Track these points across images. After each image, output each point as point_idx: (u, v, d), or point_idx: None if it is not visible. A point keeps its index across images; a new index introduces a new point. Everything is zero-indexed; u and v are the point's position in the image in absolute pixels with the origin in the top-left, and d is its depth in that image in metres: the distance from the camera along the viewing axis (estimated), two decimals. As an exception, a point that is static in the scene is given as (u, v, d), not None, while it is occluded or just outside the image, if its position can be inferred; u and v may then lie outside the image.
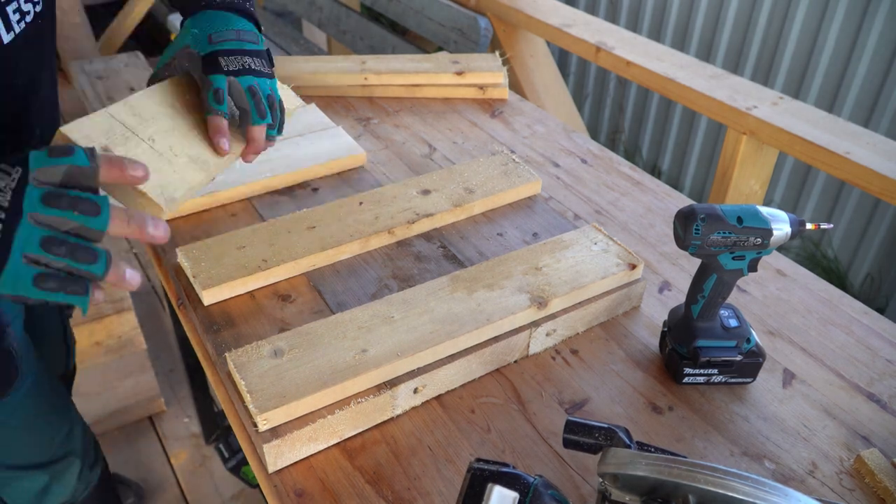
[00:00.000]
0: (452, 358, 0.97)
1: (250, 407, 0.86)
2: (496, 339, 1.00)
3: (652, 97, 3.55)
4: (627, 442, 0.68)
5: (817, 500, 0.59)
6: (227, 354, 0.93)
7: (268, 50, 1.01)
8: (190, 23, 0.95)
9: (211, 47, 0.92)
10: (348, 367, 0.91)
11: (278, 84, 1.04)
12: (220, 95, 0.91)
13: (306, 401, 0.88)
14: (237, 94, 0.92)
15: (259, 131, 0.94)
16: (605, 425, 0.70)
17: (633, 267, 1.10)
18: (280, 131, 0.97)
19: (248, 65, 0.93)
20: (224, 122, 0.92)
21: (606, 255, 1.12)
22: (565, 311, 1.05)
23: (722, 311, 1.01)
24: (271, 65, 1.00)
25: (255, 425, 0.86)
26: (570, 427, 0.71)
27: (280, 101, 0.97)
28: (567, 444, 0.71)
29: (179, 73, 0.95)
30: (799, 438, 0.94)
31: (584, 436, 0.70)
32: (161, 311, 2.60)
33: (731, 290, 0.98)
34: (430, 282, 1.07)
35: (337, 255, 1.16)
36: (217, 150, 0.91)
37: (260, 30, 1.00)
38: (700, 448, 0.92)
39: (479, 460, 0.63)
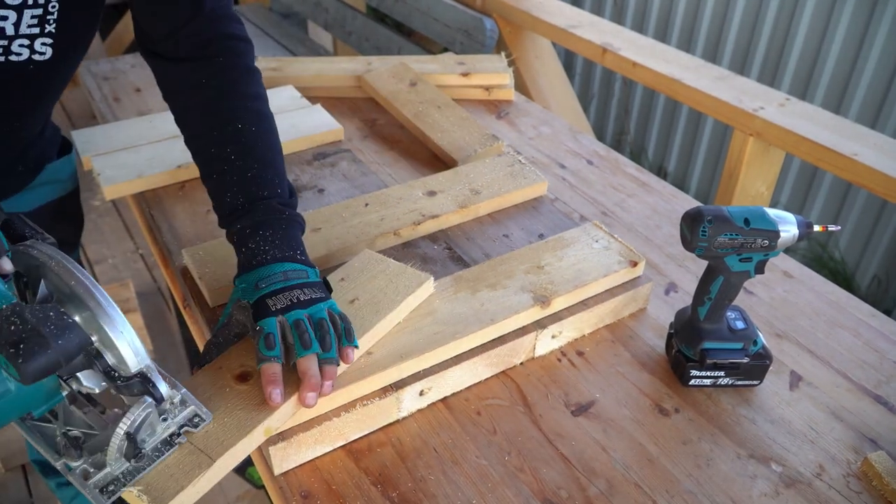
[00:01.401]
0: (458, 360, 0.97)
1: None
2: (502, 340, 1.00)
3: (658, 98, 3.54)
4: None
5: None
6: None
7: (324, 279, 0.97)
8: (238, 280, 0.94)
9: (258, 293, 0.89)
10: (354, 371, 0.91)
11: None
12: (270, 340, 0.84)
13: None
14: (287, 333, 0.86)
15: (306, 363, 0.84)
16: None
17: (635, 264, 1.10)
18: (346, 342, 0.88)
19: (297, 297, 0.88)
20: (276, 369, 0.84)
21: (608, 253, 1.12)
22: (571, 312, 1.05)
23: (728, 313, 1.01)
24: (328, 290, 0.95)
25: None
26: None
27: (341, 315, 0.90)
28: None
29: (237, 330, 0.91)
30: (806, 441, 0.93)
31: None
32: (167, 313, 2.61)
33: (738, 292, 0.97)
34: (434, 283, 1.07)
35: (343, 257, 1.16)
36: (267, 401, 0.82)
37: (313, 267, 0.96)
38: (706, 450, 0.91)
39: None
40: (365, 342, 0.94)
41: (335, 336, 0.87)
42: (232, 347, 0.91)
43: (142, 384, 0.70)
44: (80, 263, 1.43)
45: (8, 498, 2.02)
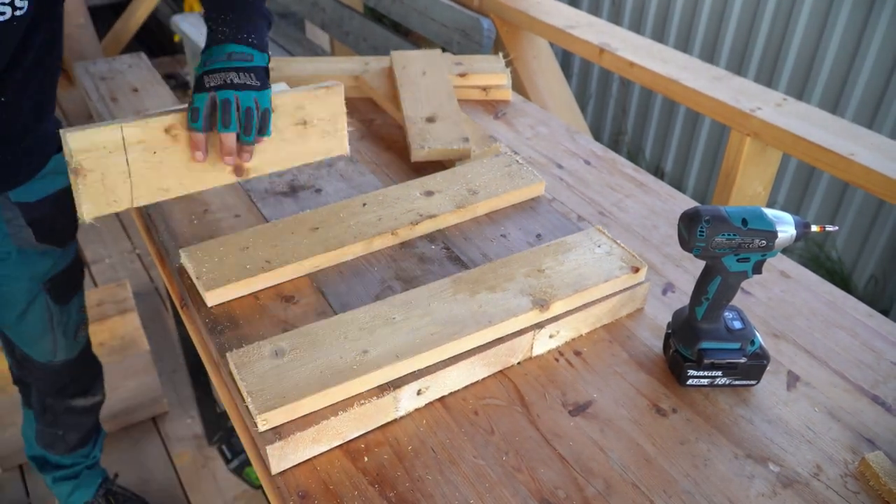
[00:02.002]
0: (456, 360, 0.97)
1: (250, 407, 0.87)
2: (499, 340, 1.00)
3: (655, 98, 3.54)
4: None
5: None
6: (227, 354, 0.93)
7: (265, 67, 1.11)
8: (202, 53, 1.10)
9: (201, 69, 1.07)
10: (349, 368, 0.91)
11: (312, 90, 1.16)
12: (195, 114, 1.04)
13: (306, 401, 0.88)
14: (213, 107, 1.05)
15: (224, 137, 1.05)
16: None
17: (637, 270, 1.10)
18: (259, 133, 1.07)
19: (231, 80, 1.05)
20: (198, 137, 1.05)
21: (610, 258, 1.12)
22: (568, 312, 1.05)
23: (726, 314, 1.01)
24: (265, 78, 1.09)
25: (255, 425, 0.86)
26: None
27: (266, 110, 1.07)
28: None
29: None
30: (803, 441, 0.93)
31: None
32: (164, 312, 2.60)
33: (736, 292, 0.97)
34: (432, 283, 1.07)
35: (340, 257, 1.16)
36: (193, 159, 1.06)
37: (263, 50, 1.10)
38: (704, 450, 0.91)
39: None
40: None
41: (256, 126, 1.06)
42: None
43: None
44: (79, 259, 1.45)
45: (5, 498, 2.01)
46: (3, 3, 1.01)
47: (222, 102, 1.04)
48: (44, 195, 1.31)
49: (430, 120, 1.50)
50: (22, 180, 1.27)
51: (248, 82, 1.06)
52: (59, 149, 1.32)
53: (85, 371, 1.65)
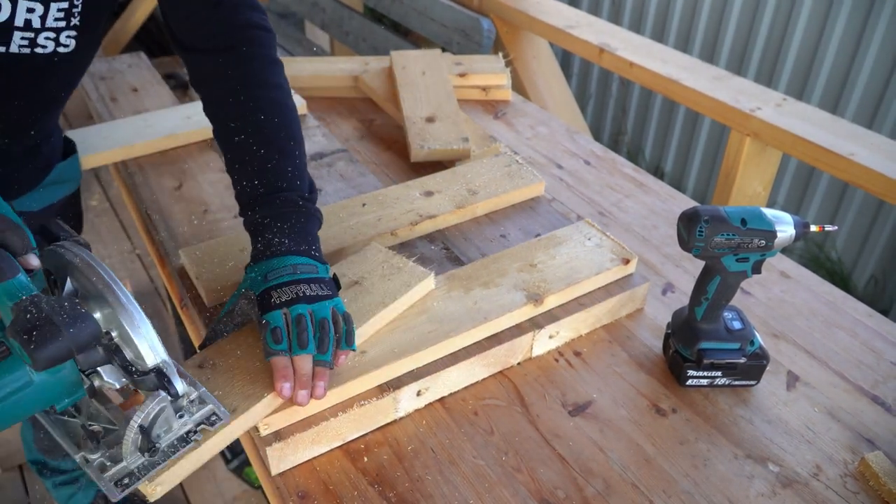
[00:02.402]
0: (455, 359, 0.97)
1: None
2: (499, 340, 1.00)
3: (655, 98, 3.54)
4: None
5: None
6: None
7: (334, 275, 0.98)
8: (249, 269, 0.95)
9: (265, 285, 0.90)
10: (348, 370, 0.91)
11: None
12: (278, 334, 0.86)
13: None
14: (289, 327, 0.87)
15: (300, 361, 0.86)
16: None
17: (627, 261, 1.10)
18: (346, 345, 0.89)
19: (303, 292, 0.89)
20: (287, 362, 0.86)
21: (600, 251, 1.12)
22: (567, 311, 1.05)
23: (725, 314, 1.01)
24: (336, 287, 0.95)
25: (257, 430, 0.86)
26: None
27: (345, 315, 0.91)
28: None
29: (240, 319, 0.94)
30: (803, 441, 0.93)
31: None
32: (164, 313, 2.60)
33: (735, 292, 0.97)
34: None
35: (340, 257, 1.16)
36: (278, 395, 0.85)
37: (324, 263, 0.97)
38: (704, 451, 0.91)
39: None
40: (362, 332, 0.95)
41: (334, 339, 0.88)
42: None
43: (158, 379, 0.71)
44: None
45: (5, 498, 2.01)
46: (48, 38, 0.96)
47: (296, 319, 0.87)
48: (47, 204, 1.28)
49: (430, 120, 1.50)
50: (25, 190, 1.24)
51: (320, 293, 0.90)
52: (63, 158, 1.30)
53: None
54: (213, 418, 0.79)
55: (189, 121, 1.50)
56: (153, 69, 1.85)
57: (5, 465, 2.07)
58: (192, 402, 0.78)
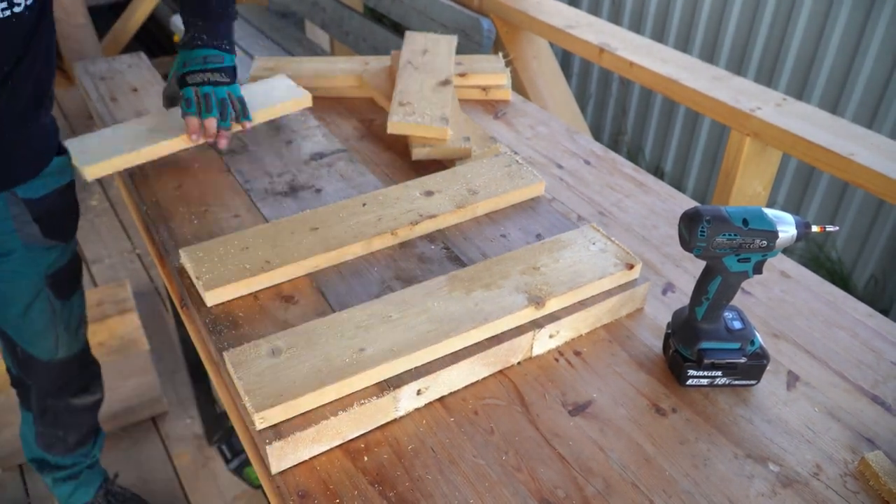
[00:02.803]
0: (455, 359, 0.97)
1: (247, 405, 0.86)
2: (499, 340, 1.00)
3: (655, 98, 3.54)
4: None
5: None
6: (224, 353, 0.93)
7: (233, 67, 1.38)
8: (177, 56, 1.37)
9: (182, 70, 1.35)
10: (346, 366, 0.91)
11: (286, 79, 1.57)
12: (188, 103, 1.34)
13: (304, 399, 0.88)
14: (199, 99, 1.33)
15: (207, 122, 1.34)
16: None
17: (631, 267, 1.10)
18: (235, 121, 1.38)
19: (208, 78, 1.34)
20: (195, 120, 1.34)
21: (604, 255, 1.12)
22: (568, 312, 1.05)
23: (726, 314, 1.01)
24: (233, 75, 1.38)
25: (253, 423, 0.86)
26: None
27: (240, 99, 1.38)
28: None
29: (171, 91, 1.42)
30: (803, 441, 0.93)
31: None
32: (164, 312, 2.60)
33: (736, 292, 0.97)
34: (428, 281, 1.07)
35: (340, 257, 1.16)
36: (189, 140, 1.36)
37: (230, 52, 1.38)
38: (704, 450, 0.91)
39: None
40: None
41: (231, 112, 1.36)
42: None
43: None
44: (78, 258, 1.46)
45: (5, 498, 2.02)
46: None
47: (204, 95, 1.33)
48: (48, 191, 1.35)
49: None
50: (27, 177, 1.30)
51: (221, 79, 1.35)
52: (60, 151, 1.37)
53: (85, 369, 1.65)
54: None
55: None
56: (153, 69, 1.85)
57: (5, 464, 2.07)
58: None
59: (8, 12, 1.13)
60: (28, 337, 1.47)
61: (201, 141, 1.36)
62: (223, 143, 1.37)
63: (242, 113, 1.37)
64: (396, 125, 1.45)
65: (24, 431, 1.69)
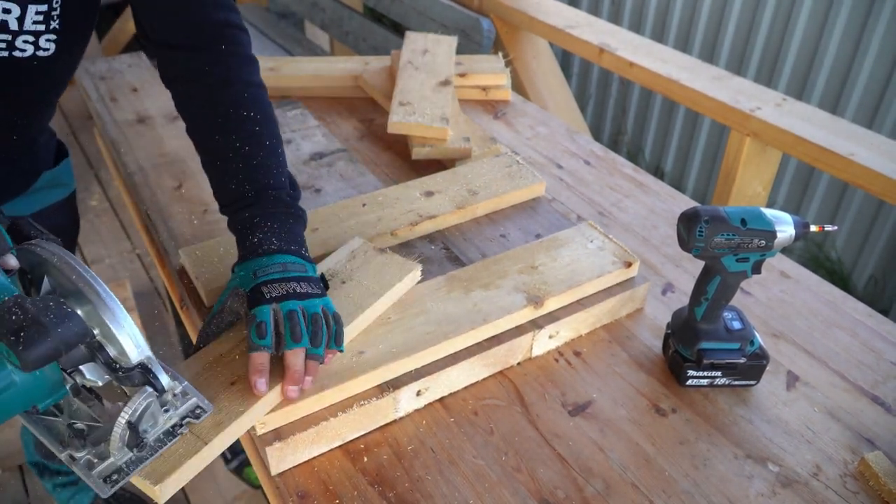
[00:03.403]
0: (455, 359, 0.97)
1: None
2: (498, 340, 1.00)
3: (655, 98, 3.54)
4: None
5: None
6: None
7: (322, 275, 1.00)
8: (237, 268, 0.95)
9: (255, 281, 0.90)
10: (346, 369, 0.91)
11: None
12: (262, 329, 0.86)
13: (304, 403, 0.88)
14: (280, 323, 0.88)
15: (292, 356, 0.86)
16: None
17: (629, 265, 1.10)
18: (335, 345, 0.90)
19: (294, 289, 0.90)
20: (265, 358, 0.86)
21: (602, 254, 1.12)
22: (567, 312, 1.05)
23: (725, 314, 1.01)
24: (324, 287, 0.97)
25: (254, 428, 0.86)
26: None
27: (335, 316, 0.92)
28: None
29: (230, 318, 0.95)
30: (803, 441, 0.93)
31: None
32: (164, 313, 2.60)
33: (735, 292, 0.97)
34: (427, 282, 1.07)
35: (339, 257, 1.16)
36: (252, 390, 0.85)
37: (312, 262, 0.97)
38: (703, 450, 0.91)
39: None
40: (353, 328, 0.96)
41: (326, 334, 0.89)
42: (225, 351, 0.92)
43: (143, 375, 0.72)
44: None
45: (5, 498, 2.01)
46: (26, 42, 0.94)
47: (288, 314, 0.87)
48: (38, 209, 1.25)
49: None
50: (11, 196, 1.21)
51: (311, 291, 0.91)
52: (53, 164, 1.28)
53: None
54: (198, 411, 0.80)
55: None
56: (153, 69, 1.84)
57: (5, 465, 2.07)
58: (176, 395, 0.79)
59: (5, 53, 0.94)
60: None
61: (264, 390, 0.85)
62: (308, 384, 0.87)
63: (336, 338, 0.90)
64: (396, 125, 1.45)
65: (24, 435, 1.68)
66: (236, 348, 0.92)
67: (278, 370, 0.87)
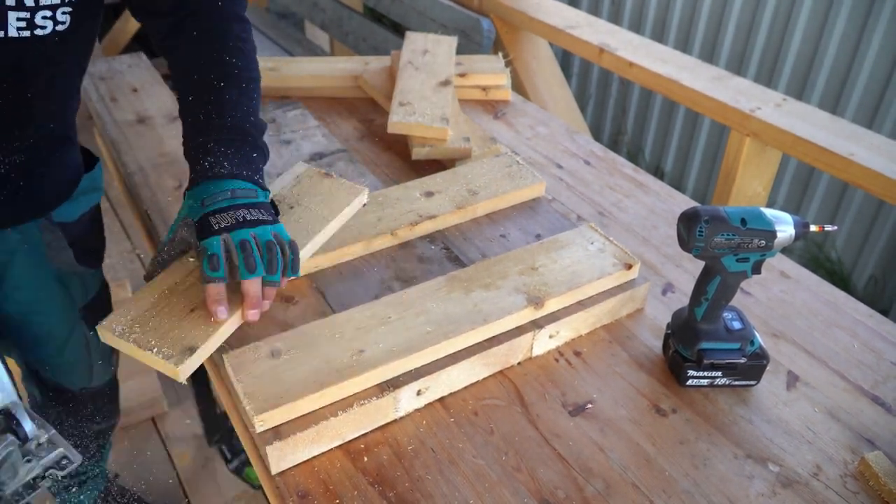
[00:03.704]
0: (455, 360, 0.97)
1: (247, 408, 0.86)
2: (498, 340, 1.00)
3: (655, 98, 3.54)
4: None
5: None
6: (224, 356, 0.93)
7: (271, 200, 1.00)
8: (187, 195, 0.96)
9: (202, 210, 0.91)
10: (345, 368, 0.91)
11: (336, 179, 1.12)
12: (214, 261, 0.88)
13: (304, 402, 0.88)
14: (232, 251, 0.89)
15: (249, 284, 0.90)
16: None
17: (630, 267, 1.10)
18: (291, 272, 0.93)
19: (244, 217, 0.91)
20: (220, 288, 0.89)
21: (603, 255, 1.12)
22: (567, 312, 1.05)
23: (725, 314, 1.01)
24: (275, 213, 0.98)
25: (253, 426, 0.86)
26: None
27: (290, 243, 0.94)
28: None
29: (181, 247, 0.96)
30: (803, 441, 0.93)
31: None
32: (164, 312, 2.60)
33: (735, 293, 0.97)
34: (428, 282, 1.07)
35: (340, 257, 1.16)
36: (213, 318, 0.89)
37: (265, 189, 0.98)
38: (704, 450, 0.91)
39: None
40: (305, 252, 1.00)
41: (282, 262, 0.91)
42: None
43: (5, 421, 0.68)
44: (107, 285, 1.44)
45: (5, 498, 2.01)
46: (45, 17, 0.93)
47: (240, 244, 0.89)
48: (81, 213, 1.26)
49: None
50: (61, 199, 1.21)
51: (262, 217, 0.92)
52: (89, 168, 1.28)
53: (112, 392, 1.58)
54: (64, 462, 0.75)
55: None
56: (153, 69, 1.84)
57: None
58: (41, 445, 0.74)
59: (27, 33, 0.94)
60: (63, 371, 1.38)
61: (233, 321, 0.92)
62: (267, 307, 0.94)
63: (292, 266, 0.94)
64: (397, 125, 1.45)
65: None
66: (190, 276, 0.93)
67: (236, 297, 0.90)
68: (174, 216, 1.26)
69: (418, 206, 1.25)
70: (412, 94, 1.53)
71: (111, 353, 1.48)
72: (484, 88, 1.73)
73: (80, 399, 1.46)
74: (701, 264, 0.99)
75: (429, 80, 1.60)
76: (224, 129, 0.97)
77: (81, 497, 1.76)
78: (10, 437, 0.68)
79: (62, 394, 1.43)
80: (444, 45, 1.77)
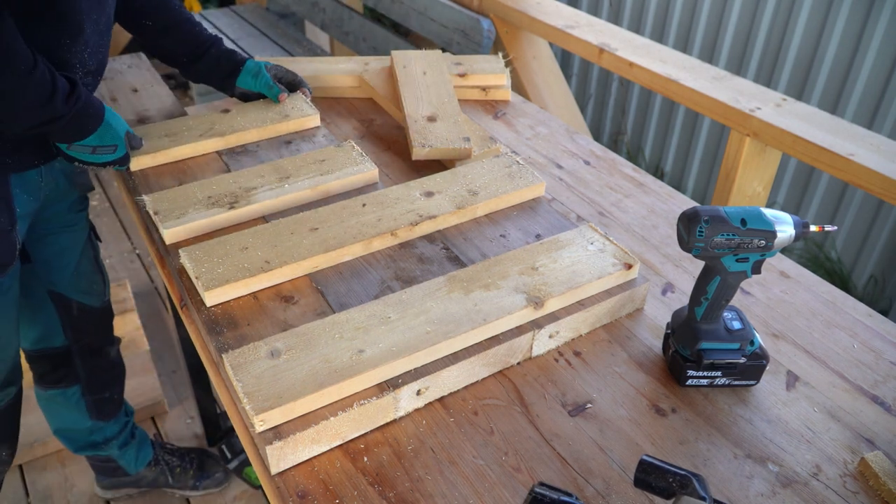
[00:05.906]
0: (455, 359, 0.97)
1: (247, 408, 0.87)
2: (498, 340, 1.00)
3: (655, 98, 3.54)
4: (702, 494, 0.68)
5: None
6: (223, 356, 0.93)
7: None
8: (244, 69, 1.54)
9: (275, 69, 1.60)
10: (345, 368, 0.91)
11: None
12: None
13: (303, 401, 0.88)
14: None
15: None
16: (682, 472, 0.70)
17: (630, 267, 1.10)
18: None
19: (274, 74, 1.59)
20: (283, 97, 1.57)
21: (603, 255, 1.12)
22: (567, 312, 1.05)
23: (725, 314, 1.01)
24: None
25: (253, 426, 0.86)
26: (644, 467, 0.71)
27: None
28: (638, 483, 0.72)
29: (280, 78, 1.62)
30: (803, 441, 0.93)
31: (657, 479, 0.70)
32: (164, 312, 2.60)
33: (735, 293, 0.97)
34: (428, 282, 1.07)
35: (340, 257, 1.16)
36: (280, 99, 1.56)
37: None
38: (703, 450, 0.91)
39: (541, 485, 0.64)
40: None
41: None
42: None
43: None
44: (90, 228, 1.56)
45: (5, 498, 2.01)
46: None
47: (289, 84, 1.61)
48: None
49: (432, 119, 1.50)
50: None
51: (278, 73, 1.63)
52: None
53: (111, 311, 1.73)
54: None
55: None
56: (153, 69, 1.85)
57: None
58: None
59: None
60: (82, 289, 1.55)
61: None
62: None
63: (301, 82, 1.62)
64: (421, 152, 1.43)
65: (66, 422, 1.72)
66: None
67: None
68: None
69: (418, 206, 1.25)
70: (424, 123, 1.51)
71: (103, 262, 1.66)
72: (484, 88, 1.74)
73: (101, 316, 1.65)
74: (701, 264, 0.99)
75: (434, 101, 1.59)
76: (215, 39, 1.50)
77: (142, 452, 1.90)
78: None
79: (87, 314, 1.59)
80: (440, 62, 1.76)
